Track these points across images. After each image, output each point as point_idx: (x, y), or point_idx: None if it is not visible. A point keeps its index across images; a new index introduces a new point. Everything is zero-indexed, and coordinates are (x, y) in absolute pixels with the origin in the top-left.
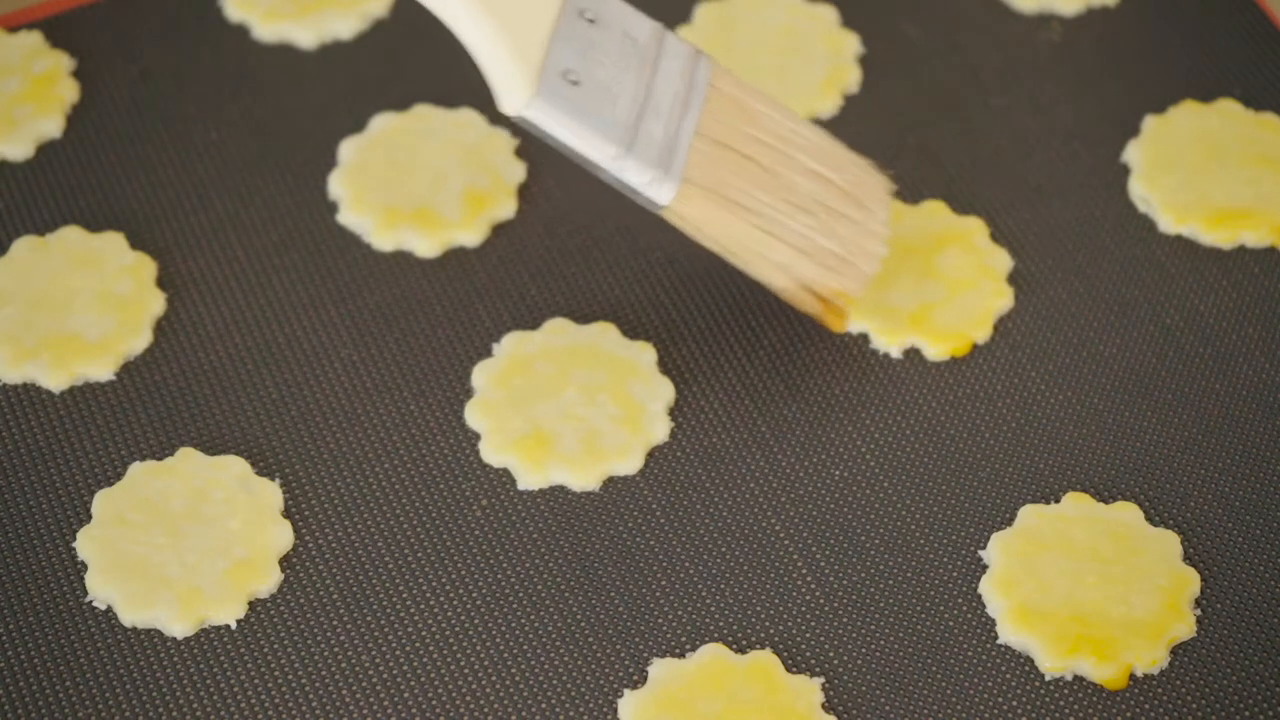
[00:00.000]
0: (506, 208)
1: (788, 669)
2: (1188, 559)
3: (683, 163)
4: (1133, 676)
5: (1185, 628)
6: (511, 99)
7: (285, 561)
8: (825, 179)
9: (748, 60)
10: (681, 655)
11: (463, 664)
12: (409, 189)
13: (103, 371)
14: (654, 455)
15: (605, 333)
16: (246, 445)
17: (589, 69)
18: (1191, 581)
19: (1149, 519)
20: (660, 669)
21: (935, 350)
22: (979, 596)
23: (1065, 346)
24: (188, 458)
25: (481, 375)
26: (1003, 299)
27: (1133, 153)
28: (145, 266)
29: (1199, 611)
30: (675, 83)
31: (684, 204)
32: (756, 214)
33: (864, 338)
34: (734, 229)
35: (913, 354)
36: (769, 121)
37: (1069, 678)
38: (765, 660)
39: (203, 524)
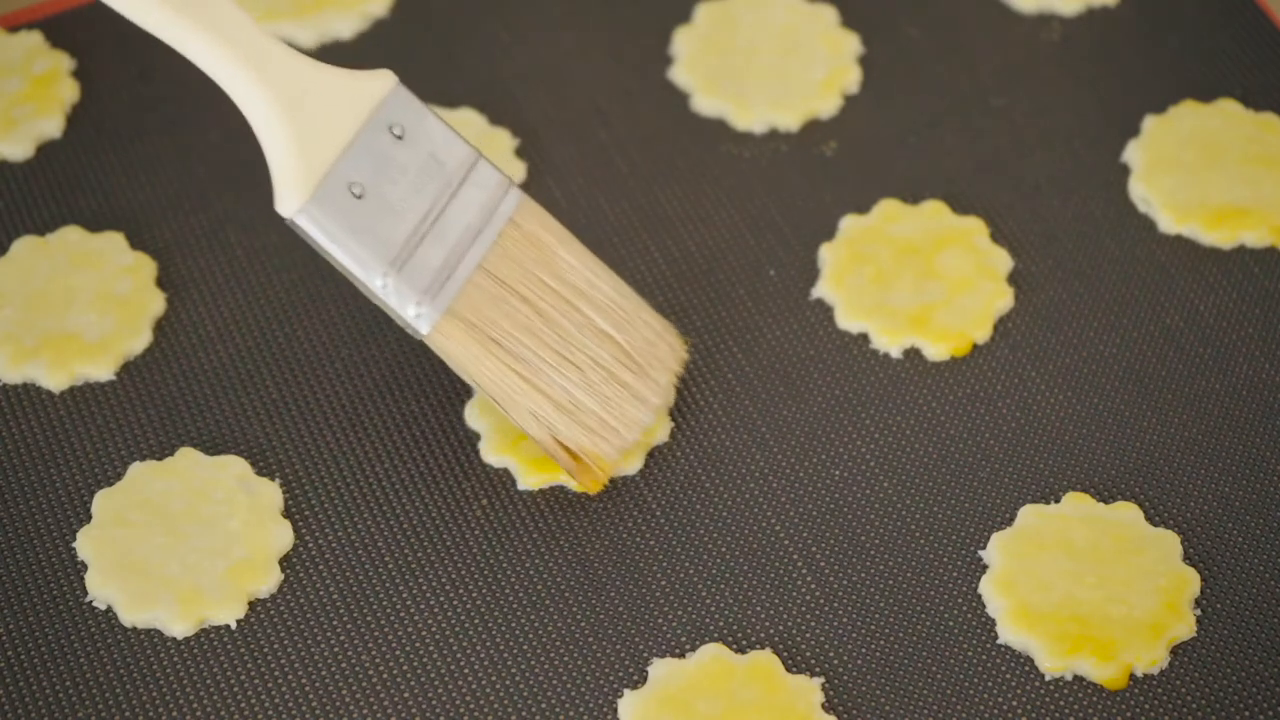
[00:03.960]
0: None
1: (788, 669)
2: (1188, 559)
3: (451, 295)
4: (1133, 676)
5: (1185, 628)
6: (285, 202)
7: (285, 561)
8: (607, 336)
9: (748, 60)
10: (681, 655)
11: (463, 664)
12: None
13: (103, 371)
14: (654, 455)
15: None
16: (246, 445)
17: (378, 184)
18: (1191, 581)
19: (1149, 519)
20: (660, 669)
21: (935, 350)
22: (979, 596)
23: (1065, 346)
24: (188, 458)
25: None
26: (1003, 299)
27: (1133, 153)
28: (145, 266)
29: (1199, 611)
30: (470, 212)
31: (442, 338)
32: (518, 359)
33: (864, 338)
34: (489, 371)
35: (913, 354)
36: (564, 268)
37: (1069, 678)
38: (765, 660)
39: (203, 524)
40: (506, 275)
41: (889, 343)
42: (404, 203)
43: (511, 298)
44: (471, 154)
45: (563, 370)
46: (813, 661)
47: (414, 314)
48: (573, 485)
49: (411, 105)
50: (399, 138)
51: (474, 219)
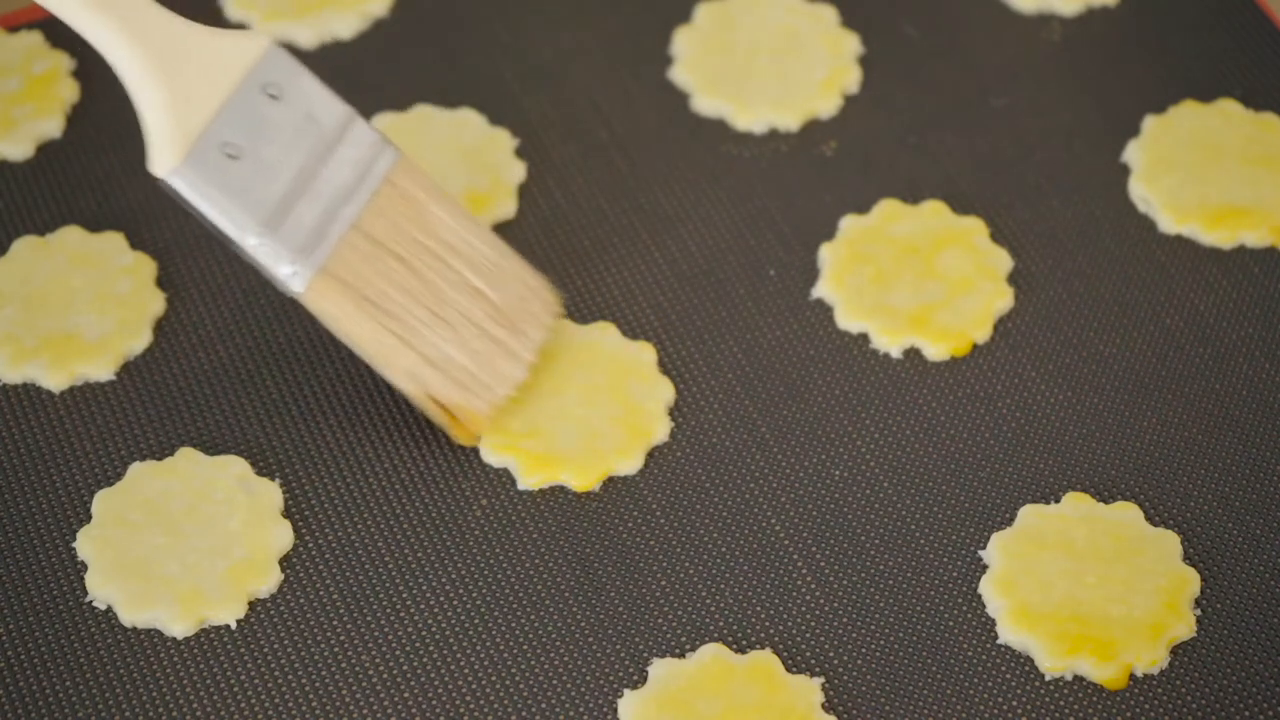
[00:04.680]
0: (506, 208)
1: (788, 669)
2: (1188, 559)
3: (325, 254)
4: (1133, 676)
5: (1185, 628)
6: (159, 162)
7: (285, 561)
8: (480, 293)
9: (748, 60)
10: (681, 655)
11: (463, 664)
12: None
13: (103, 371)
14: (654, 455)
15: (605, 333)
16: (246, 445)
17: (254, 145)
18: (1191, 581)
19: (1149, 519)
20: (660, 669)
21: (935, 350)
22: (979, 596)
23: (1065, 346)
24: (188, 458)
25: None
26: (1003, 299)
27: (1133, 153)
28: (145, 266)
29: (1199, 611)
30: (345, 171)
31: (316, 296)
32: (392, 317)
33: (864, 338)
34: (364, 328)
35: (913, 354)
36: (439, 226)
37: (1069, 678)
38: (765, 660)
39: (203, 524)
40: (380, 234)
41: (889, 343)
42: (278, 162)
43: (385, 256)
44: (347, 113)
45: (436, 328)
46: (813, 661)
47: (288, 273)
48: (574, 483)
49: (287, 65)
50: (274, 98)
51: (349, 178)
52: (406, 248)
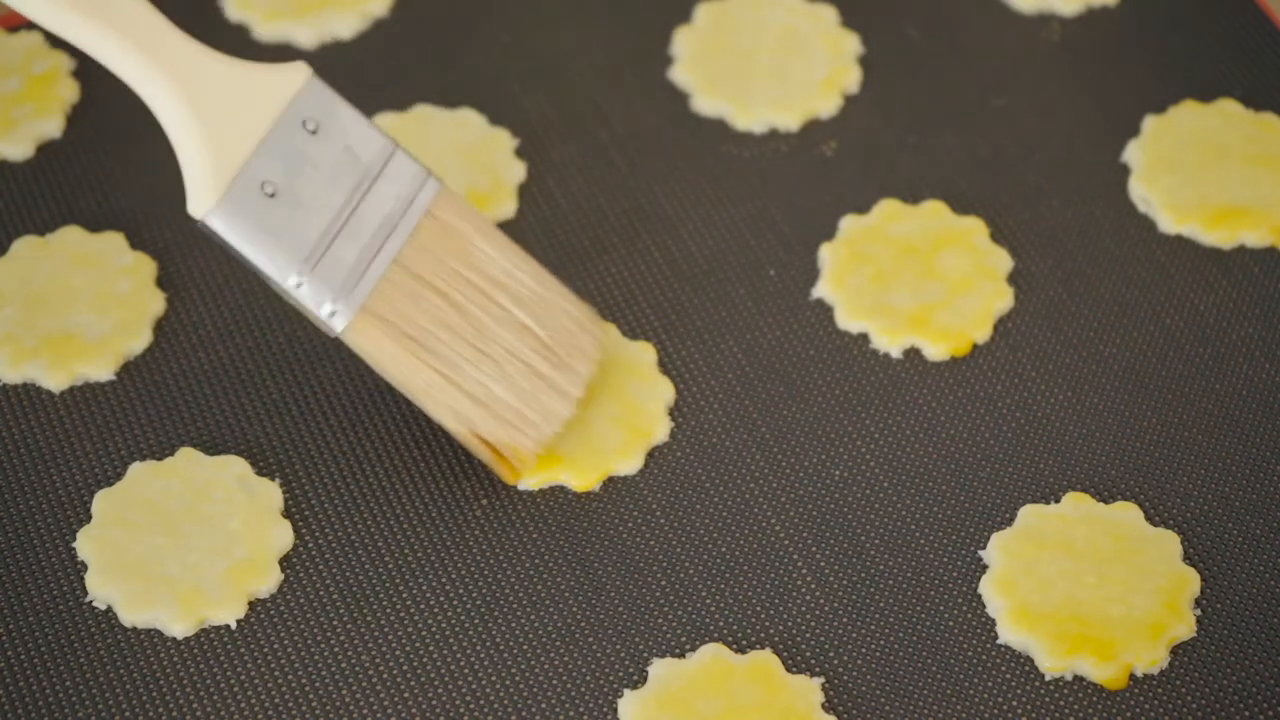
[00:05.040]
0: (506, 208)
1: (788, 669)
2: (1188, 559)
3: (366, 292)
4: (1133, 676)
5: (1185, 628)
6: (197, 203)
7: (285, 561)
8: (526, 328)
9: (748, 60)
10: (681, 655)
11: (463, 664)
12: None
13: (103, 371)
14: (654, 455)
15: (605, 333)
16: (246, 445)
17: (291, 182)
18: (1191, 581)
19: (1149, 519)
20: (660, 669)
21: (935, 350)
22: (979, 596)
23: (1065, 346)
24: (188, 458)
25: None
26: (1003, 299)
27: (1133, 153)
28: (145, 266)
29: (1199, 611)
30: (387, 205)
31: (357, 335)
32: (435, 355)
33: (864, 338)
34: (407, 367)
35: (913, 354)
36: (481, 259)
37: (1069, 678)
38: (765, 660)
39: (203, 524)
40: (422, 269)
41: (889, 343)
42: (317, 199)
43: (427, 292)
44: (388, 146)
45: (480, 365)
46: (813, 661)
47: (328, 313)
48: (574, 483)
49: (325, 98)
50: (313, 133)
51: (390, 212)
52: (449, 283)
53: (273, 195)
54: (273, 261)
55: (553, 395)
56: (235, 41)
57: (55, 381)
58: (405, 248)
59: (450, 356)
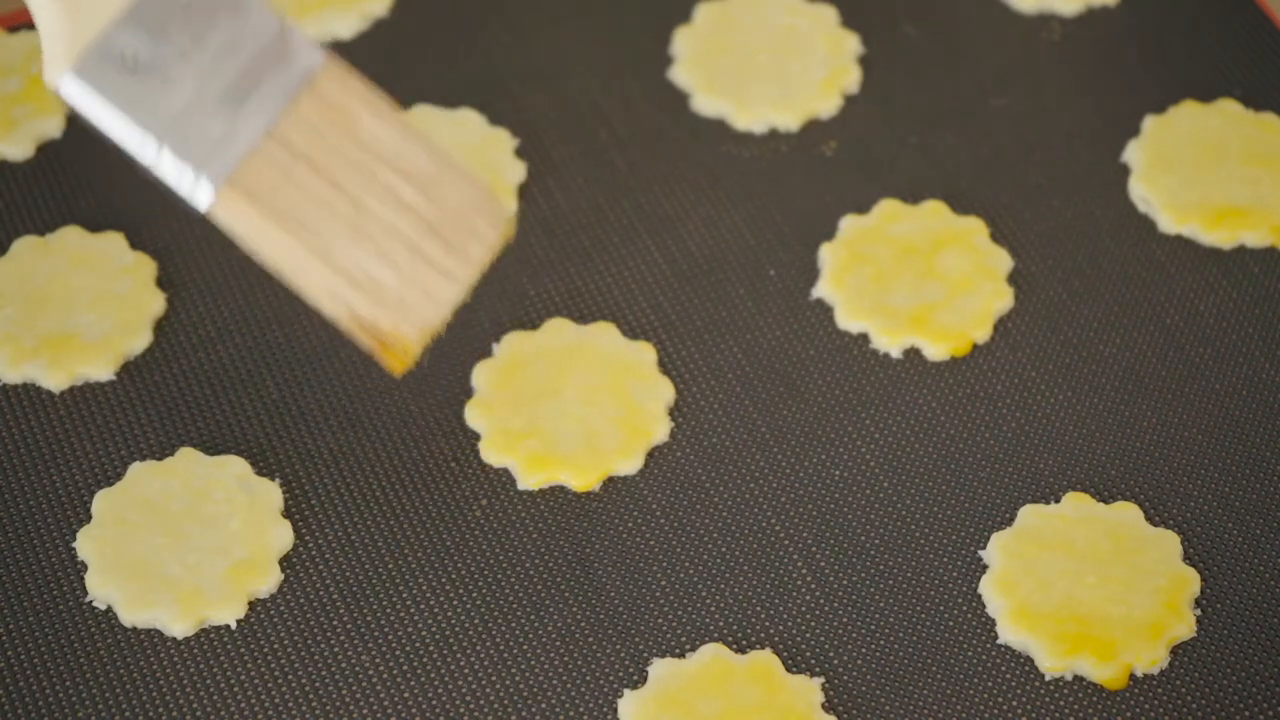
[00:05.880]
0: (506, 208)
1: (788, 669)
2: (1188, 559)
3: (232, 165)
4: (1133, 676)
5: (1185, 628)
6: (51, 70)
7: (285, 561)
8: (409, 208)
9: (748, 60)
10: (681, 655)
11: (463, 664)
12: None
13: (103, 371)
14: (654, 455)
15: (605, 333)
16: (246, 445)
17: (158, 50)
18: (1191, 581)
19: (1149, 519)
20: (660, 669)
21: (935, 350)
22: (979, 596)
23: (1065, 346)
24: (188, 458)
25: (481, 375)
26: (1003, 299)
27: (1133, 153)
28: (145, 266)
29: (1199, 611)
30: (265, 78)
31: (225, 211)
32: (309, 231)
33: (864, 338)
34: (278, 245)
35: (913, 354)
36: (369, 135)
37: (1069, 678)
38: (765, 660)
39: (203, 524)
40: (300, 143)
41: (889, 343)
42: (186, 69)
43: (302, 167)
44: (272, 19)
45: (358, 244)
46: (813, 661)
47: (191, 186)
48: (574, 483)
49: None
50: (187, 5)
51: (269, 85)
52: (327, 159)
53: (136, 62)
54: (130, 131)
55: (438, 277)
56: None
57: (55, 381)
58: (281, 121)
59: (325, 234)
